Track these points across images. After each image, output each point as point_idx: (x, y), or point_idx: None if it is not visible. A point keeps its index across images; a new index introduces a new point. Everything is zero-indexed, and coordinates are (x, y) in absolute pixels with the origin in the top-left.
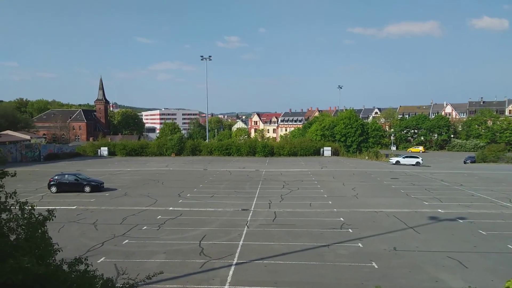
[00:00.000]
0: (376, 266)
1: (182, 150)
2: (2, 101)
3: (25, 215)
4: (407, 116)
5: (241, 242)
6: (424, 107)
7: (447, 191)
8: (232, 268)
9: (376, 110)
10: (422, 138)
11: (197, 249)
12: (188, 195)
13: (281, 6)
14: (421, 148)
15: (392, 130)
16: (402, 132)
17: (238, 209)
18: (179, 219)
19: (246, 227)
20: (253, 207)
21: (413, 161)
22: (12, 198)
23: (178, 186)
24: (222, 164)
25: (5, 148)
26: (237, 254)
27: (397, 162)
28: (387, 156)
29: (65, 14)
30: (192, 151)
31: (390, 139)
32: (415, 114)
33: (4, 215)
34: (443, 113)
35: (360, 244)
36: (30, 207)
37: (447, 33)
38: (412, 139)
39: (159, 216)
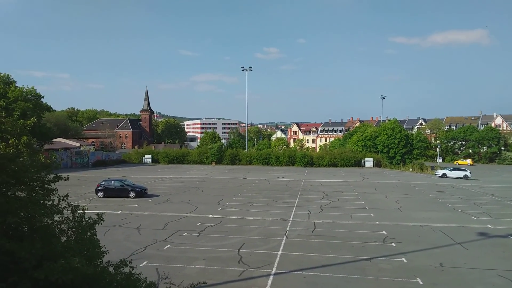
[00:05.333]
0: (421, 283)
1: (222, 158)
2: (55, 110)
3: (76, 218)
4: (454, 127)
5: (279, 252)
6: (473, 118)
7: (498, 206)
8: (271, 278)
9: (421, 120)
10: (470, 150)
11: (236, 257)
12: (228, 203)
13: (321, 17)
14: (469, 161)
15: (438, 141)
16: (449, 144)
17: (277, 219)
18: (219, 226)
19: (285, 237)
20: (292, 217)
21: (460, 174)
22: (64, 201)
23: (217, 194)
24: (261, 173)
25: (57, 154)
26: (275, 264)
27: (444, 175)
28: (432, 168)
29: (113, 29)
30: (231, 160)
31: (435, 151)
32: (463, 125)
33: (56, 217)
34: (492, 125)
35: (404, 259)
36: (81, 211)
37: (496, 41)
38: (459, 151)
39: (199, 223)
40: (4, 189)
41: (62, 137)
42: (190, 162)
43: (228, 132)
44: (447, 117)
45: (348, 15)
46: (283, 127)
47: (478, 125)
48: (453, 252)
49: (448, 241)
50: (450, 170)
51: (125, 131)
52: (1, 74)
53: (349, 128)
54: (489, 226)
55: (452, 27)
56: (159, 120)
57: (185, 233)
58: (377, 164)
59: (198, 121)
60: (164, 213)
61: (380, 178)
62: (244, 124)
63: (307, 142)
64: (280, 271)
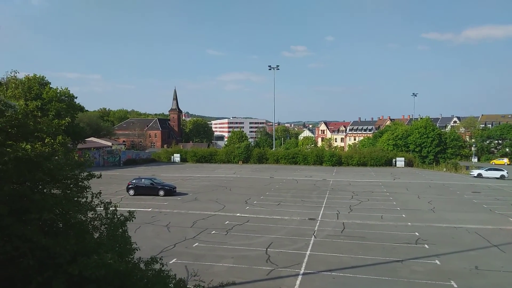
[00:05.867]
0: (455, 286)
1: (249, 158)
2: (87, 110)
3: (108, 215)
4: (490, 125)
5: (308, 252)
6: (510, 116)
7: None
8: (299, 277)
9: (455, 119)
10: (507, 149)
11: (263, 256)
12: (255, 202)
13: (349, 13)
14: (506, 160)
15: (473, 140)
16: (485, 143)
17: (305, 218)
18: (246, 225)
19: (313, 237)
20: (320, 216)
21: (497, 174)
22: (97, 198)
23: (245, 193)
24: (288, 172)
25: (90, 153)
26: (304, 264)
27: (479, 175)
28: (467, 168)
29: (142, 30)
30: (258, 159)
31: (470, 150)
32: (499, 124)
33: (89, 214)
34: None
35: (437, 261)
36: (113, 208)
37: None
38: (495, 150)
39: (227, 222)
40: (40, 187)
41: (94, 137)
42: (217, 161)
43: (255, 131)
44: (482, 115)
45: (378, 11)
46: (310, 126)
47: None
48: (489, 254)
49: (484, 243)
50: (486, 170)
51: (154, 131)
52: (37, 76)
53: (379, 126)
54: None
55: (486, 22)
56: (187, 119)
57: (213, 232)
58: (408, 163)
59: (226, 120)
60: (192, 211)
61: (412, 178)
62: (271, 123)
63: (336, 141)
64: (308, 271)
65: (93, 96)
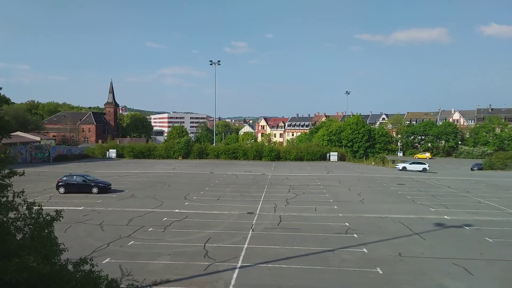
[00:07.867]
0: (380, 272)
1: (189, 153)
2: (14, 103)
3: (33, 215)
4: (414, 122)
5: (245, 246)
6: (432, 114)
7: (454, 198)
8: (236, 271)
9: (384, 116)
10: (429, 144)
11: (201, 251)
12: (194, 197)
13: (289, 13)
14: (428, 155)
15: (399, 136)
16: (409, 138)
17: (244, 213)
18: (185, 221)
19: (251, 230)
20: (258, 210)
21: (419, 167)
22: (20, 197)
23: (184, 188)
24: (228, 167)
25: (15, 149)
26: (241, 257)
27: (404, 168)
28: (393, 162)
29: (77, 19)
30: (199, 154)
31: (397, 145)
32: (423, 121)
33: (11, 214)
34: (451, 120)
35: (365, 250)
36: (38, 207)
37: (455, 40)
38: (419, 145)
39: (165, 218)
40: None
41: (21, 131)
42: (156, 156)
43: (196, 127)
44: (408, 112)
45: (316, 12)
46: (251, 121)
47: (437, 120)
48: (411, 242)
49: (407, 232)
50: (410, 164)
51: (88, 125)
52: None
53: (315, 122)
54: (445, 217)
55: (413, 25)
56: (125, 113)
57: (150, 229)
58: (341, 158)
59: (166, 115)
60: (128, 209)
61: (344, 171)
62: (212, 119)
63: (275, 137)
64: (245, 264)
65: (20, 87)
